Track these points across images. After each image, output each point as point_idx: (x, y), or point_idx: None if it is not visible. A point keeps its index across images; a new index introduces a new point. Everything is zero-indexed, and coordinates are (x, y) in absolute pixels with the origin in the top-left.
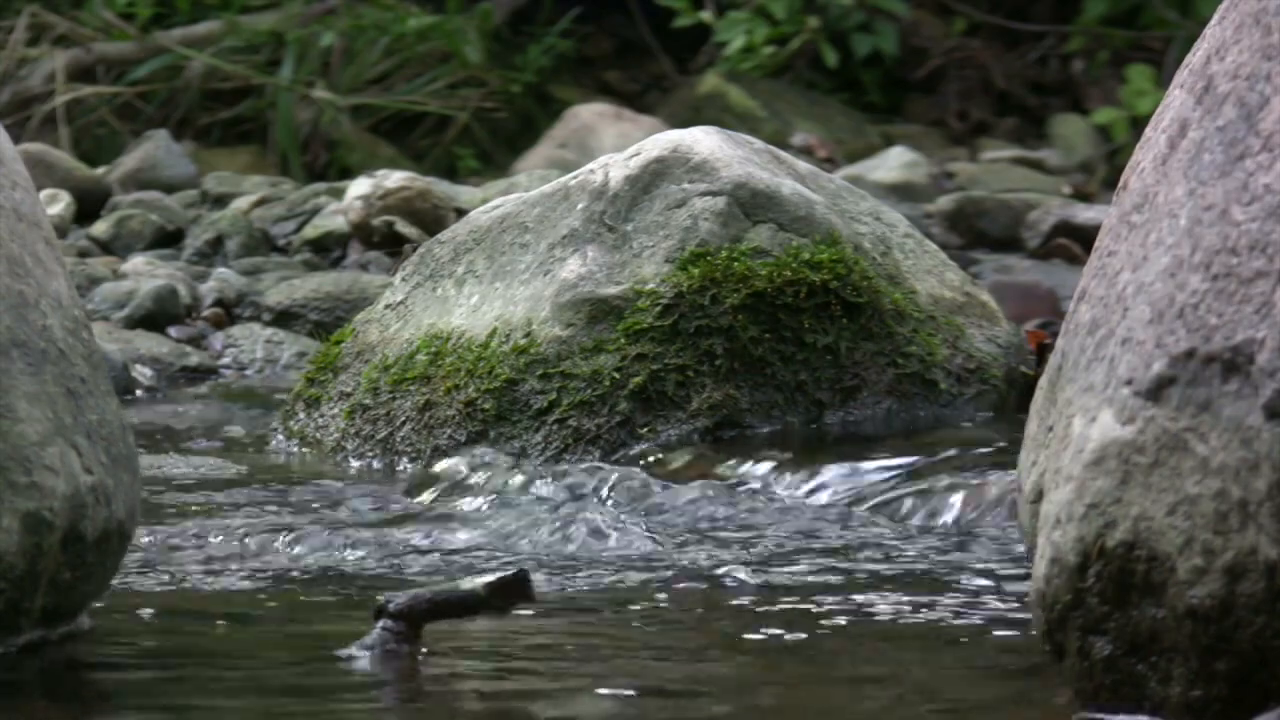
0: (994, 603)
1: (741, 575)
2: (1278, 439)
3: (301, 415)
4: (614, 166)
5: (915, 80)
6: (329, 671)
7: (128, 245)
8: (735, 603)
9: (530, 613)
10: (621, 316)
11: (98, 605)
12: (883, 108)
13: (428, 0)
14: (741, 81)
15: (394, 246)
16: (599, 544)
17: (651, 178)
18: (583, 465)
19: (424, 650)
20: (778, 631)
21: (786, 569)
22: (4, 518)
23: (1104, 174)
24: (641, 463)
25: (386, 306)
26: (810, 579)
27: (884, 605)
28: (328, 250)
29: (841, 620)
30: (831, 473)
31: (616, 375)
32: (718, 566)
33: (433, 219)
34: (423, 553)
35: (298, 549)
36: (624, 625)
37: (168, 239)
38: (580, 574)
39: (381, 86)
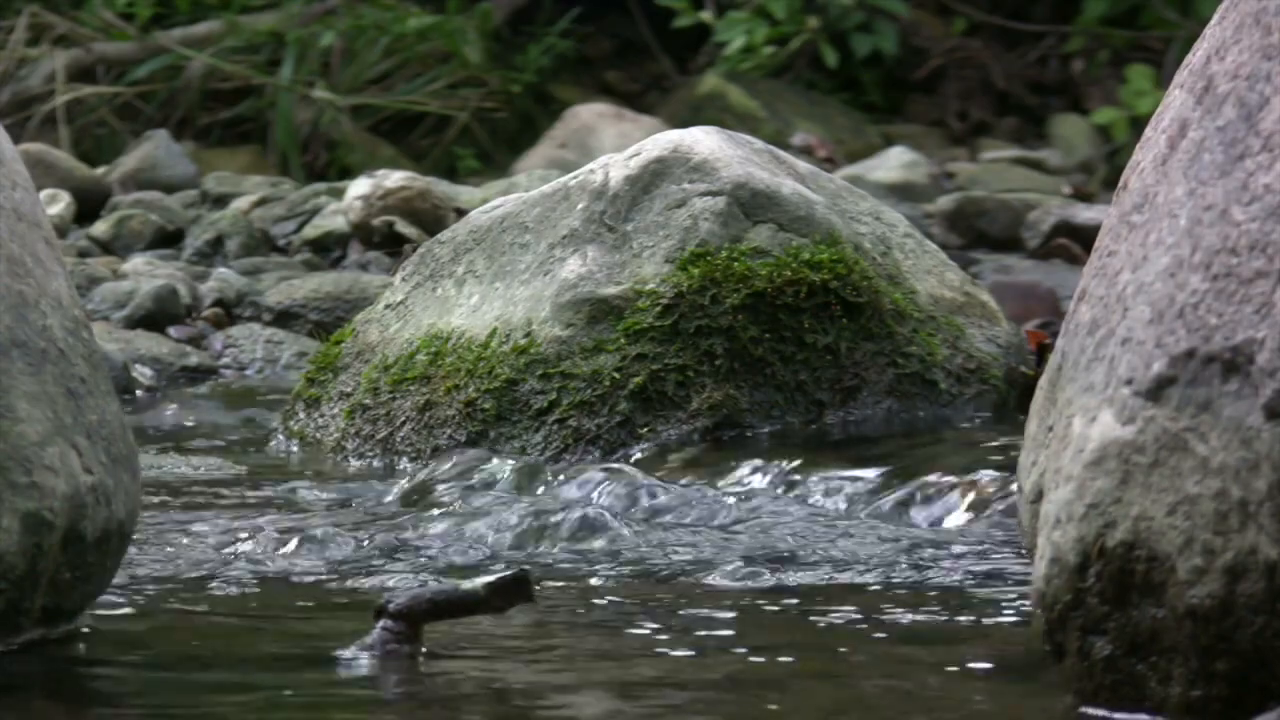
0: (994, 603)
1: (741, 576)
2: (1278, 439)
3: (301, 415)
4: (614, 166)
5: (915, 80)
6: (329, 671)
7: (128, 245)
8: (735, 603)
9: (530, 613)
10: (621, 316)
11: (98, 605)
12: (883, 108)
13: (428, 0)
14: (741, 81)
15: (394, 246)
16: (598, 544)
17: (651, 178)
18: (582, 465)
19: (424, 650)
20: (778, 631)
21: (786, 569)
22: (4, 518)
23: (1104, 174)
24: (642, 463)
25: (386, 306)
26: (809, 579)
27: (883, 605)
28: (328, 250)
29: (841, 620)
30: (831, 473)
31: (616, 375)
32: (717, 567)
33: (433, 219)
34: (421, 553)
35: (297, 549)
36: (624, 625)
37: (168, 239)
38: (579, 574)
39: (381, 86)
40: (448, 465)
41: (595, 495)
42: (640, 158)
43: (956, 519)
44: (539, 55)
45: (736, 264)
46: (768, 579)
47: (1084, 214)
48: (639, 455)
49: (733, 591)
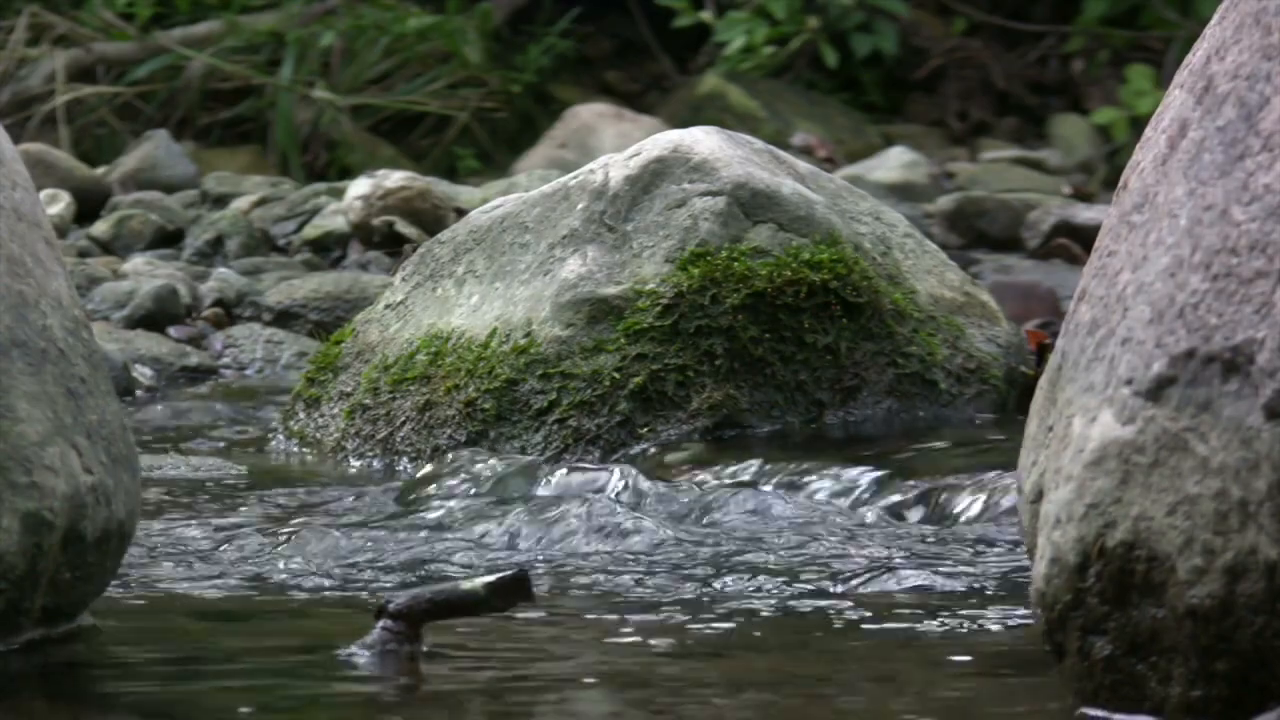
0: (994, 603)
1: (740, 576)
2: (1278, 439)
3: (301, 415)
4: (614, 166)
5: (915, 80)
6: (329, 671)
7: (128, 245)
8: (735, 603)
9: (530, 613)
10: (621, 316)
11: (98, 605)
12: (883, 108)
13: (428, 0)
14: (741, 81)
15: (394, 246)
16: (598, 544)
17: (651, 178)
18: (582, 465)
19: (424, 650)
20: (776, 632)
21: (786, 569)
22: (4, 518)
23: (1104, 174)
24: (642, 463)
25: (386, 306)
26: (809, 579)
27: (883, 605)
28: (328, 250)
29: (840, 620)
30: (831, 473)
31: (616, 375)
32: (717, 567)
33: (433, 219)
34: (422, 553)
35: (297, 549)
36: (624, 625)
37: (168, 239)
38: (580, 574)
39: (381, 86)
40: (447, 465)
41: (594, 495)
42: (640, 158)
43: (956, 519)
44: (539, 55)
45: (736, 264)
46: (767, 579)
47: (1084, 214)
48: (639, 455)
49: (732, 592)
